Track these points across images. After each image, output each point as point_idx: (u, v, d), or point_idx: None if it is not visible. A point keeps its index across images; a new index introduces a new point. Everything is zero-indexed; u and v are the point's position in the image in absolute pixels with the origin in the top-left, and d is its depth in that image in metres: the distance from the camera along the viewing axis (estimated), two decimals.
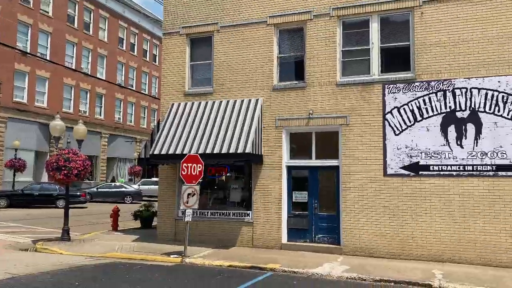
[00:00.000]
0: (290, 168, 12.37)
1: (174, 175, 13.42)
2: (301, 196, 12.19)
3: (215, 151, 11.70)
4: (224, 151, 11.62)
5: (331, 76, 11.96)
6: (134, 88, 41.52)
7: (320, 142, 12.18)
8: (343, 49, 12.03)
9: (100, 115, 37.60)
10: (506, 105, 10.38)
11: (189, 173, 11.01)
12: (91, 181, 35.10)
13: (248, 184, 12.71)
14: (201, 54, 13.65)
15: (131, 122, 41.99)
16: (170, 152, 12.21)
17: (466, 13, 10.84)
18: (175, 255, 10.96)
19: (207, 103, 13.04)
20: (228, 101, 12.82)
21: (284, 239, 12.08)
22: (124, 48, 40.58)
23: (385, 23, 11.70)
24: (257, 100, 12.54)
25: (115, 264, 10.30)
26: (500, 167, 10.30)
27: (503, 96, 10.42)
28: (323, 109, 11.95)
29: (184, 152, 11.86)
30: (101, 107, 37.77)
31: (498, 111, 10.44)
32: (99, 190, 30.57)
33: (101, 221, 18.55)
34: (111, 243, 12.69)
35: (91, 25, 36.53)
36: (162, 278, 9.00)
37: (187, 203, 10.92)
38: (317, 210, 11.99)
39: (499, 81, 10.47)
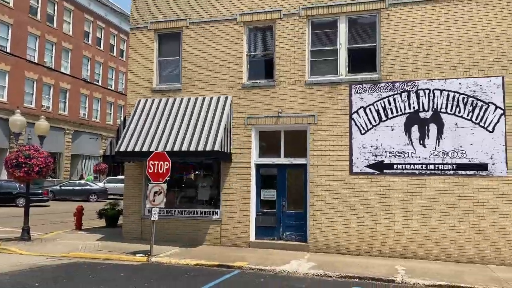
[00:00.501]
0: (259, 166, 12.39)
1: (140, 173, 13.19)
2: (269, 194, 12.24)
3: (183, 149, 11.58)
4: (192, 148, 11.51)
5: (300, 76, 12.06)
6: (100, 84, 40.44)
7: (289, 141, 12.26)
8: (312, 49, 12.14)
9: (64, 111, 36.40)
10: (466, 106, 10.78)
11: (155, 171, 10.83)
12: (54, 179, 33.93)
13: (216, 182, 12.65)
14: (169, 50, 13.46)
15: (96, 118, 40.89)
16: (137, 149, 11.99)
17: (430, 16, 11.17)
18: (141, 254, 10.77)
19: (175, 100, 12.87)
20: (196, 98, 12.71)
21: (252, 237, 12.10)
22: (90, 42, 39.44)
23: (352, 24, 11.90)
24: (226, 98, 12.49)
25: (78, 264, 10.01)
26: (460, 166, 10.70)
27: (463, 98, 10.82)
28: (292, 108, 12.03)
29: (151, 150, 11.68)
30: (65, 102, 36.56)
31: (459, 112, 10.82)
32: (63, 188, 29.63)
33: (64, 220, 17.98)
34: (74, 243, 12.33)
35: (55, 18, 35.26)
36: (127, 277, 8.82)
37: (154, 201, 10.75)
38: (285, 208, 12.07)
39: (460, 83, 10.86)
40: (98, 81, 40.50)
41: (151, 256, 10.55)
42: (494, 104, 10.60)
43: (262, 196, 12.30)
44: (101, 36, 41.14)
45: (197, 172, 12.97)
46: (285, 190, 12.13)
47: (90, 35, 39.51)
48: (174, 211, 12.78)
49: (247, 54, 12.67)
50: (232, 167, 12.35)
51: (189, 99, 12.78)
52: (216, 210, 12.44)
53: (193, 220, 12.56)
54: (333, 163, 11.57)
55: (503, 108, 10.54)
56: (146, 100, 13.14)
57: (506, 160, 10.42)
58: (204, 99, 12.64)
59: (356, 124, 11.49)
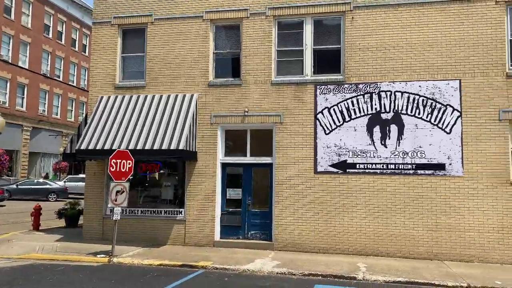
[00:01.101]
0: (224, 165, 12.36)
1: (102, 172, 12.86)
2: (235, 193, 12.24)
3: (146, 147, 11.40)
4: (156, 147, 11.35)
5: (267, 75, 12.12)
6: (61, 79, 39.06)
7: (255, 140, 12.29)
8: (278, 49, 12.22)
9: (22, 107, 34.89)
10: (426, 108, 11.16)
11: (118, 169, 10.59)
12: (11, 178, 32.46)
13: (181, 182, 12.51)
14: (134, 46, 13.19)
15: (57, 115, 39.46)
16: (98, 147, 11.68)
17: (392, 20, 11.49)
18: (102, 255, 10.49)
19: (139, 97, 12.62)
20: (161, 96, 12.52)
21: (217, 237, 12.06)
22: (51, 36, 38.00)
23: (318, 26, 12.07)
24: (192, 96, 12.37)
25: (34, 266, 9.63)
26: (419, 166, 11.05)
27: (423, 100, 11.19)
28: (258, 107, 12.06)
29: (113, 148, 11.42)
30: (23, 98, 35.04)
31: (419, 113, 11.18)
32: (20, 187, 28.35)
33: (20, 220, 17.23)
34: (31, 244, 11.84)
35: (12, 9, 33.71)
36: (87, 279, 8.56)
37: (116, 200, 10.50)
38: (251, 207, 12.11)
39: (420, 86, 11.23)
40: (59, 76, 39.11)
41: (113, 257, 10.30)
42: (452, 107, 11.02)
43: (227, 195, 12.26)
44: (63, 30, 39.75)
45: (161, 171, 12.74)
46: (251, 189, 12.16)
47: (51, 28, 38.08)
48: (137, 210, 12.53)
49: (213, 52, 12.59)
50: (197, 166, 12.25)
51: (153, 96, 12.56)
52: (181, 209, 12.30)
53: (156, 219, 12.37)
54: (298, 162, 11.70)
55: (460, 110, 10.98)
56: (109, 97, 12.82)
57: (462, 161, 10.86)
58: (169, 96, 12.46)
59: (321, 124, 11.65)
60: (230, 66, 12.61)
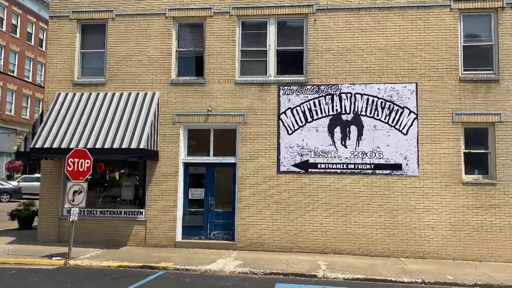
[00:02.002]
0: (187, 165, 12.24)
1: (59, 171, 12.42)
2: (197, 193, 12.14)
3: (105, 146, 11.11)
4: (116, 146, 11.09)
5: (230, 75, 12.10)
6: (15, 75, 37.28)
7: (218, 139, 12.25)
8: (242, 48, 12.22)
9: None
10: (384, 110, 11.49)
11: (75, 169, 10.27)
12: None
13: (142, 181, 12.28)
14: (93, 42, 12.81)
15: (11, 112, 37.64)
16: (55, 145, 11.26)
17: (353, 24, 11.76)
18: (58, 257, 10.12)
19: (98, 94, 12.29)
20: (122, 94, 12.24)
21: (179, 237, 11.92)
22: (4, 29, 36.19)
23: (282, 27, 12.16)
24: (153, 94, 12.17)
25: None
26: (377, 166, 11.38)
27: (381, 102, 11.51)
28: (222, 106, 12.02)
29: (71, 146, 11.06)
30: None
31: (377, 115, 11.50)
32: None
33: None
34: None
35: None
36: (41, 282, 8.23)
37: (73, 201, 10.17)
38: (213, 207, 12.05)
39: (378, 88, 11.56)
40: (13, 71, 37.32)
41: (69, 259, 9.96)
42: (408, 109, 11.41)
43: (190, 195, 12.15)
44: (18, 23, 37.97)
45: (121, 171, 12.46)
46: (214, 189, 12.11)
47: (4, 21, 36.28)
48: (96, 211, 12.19)
49: (176, 50, 12.44)
50: (159, 166, 12.07)
51: (114, 94, 12.26)
52: (141, 210, 12.08)
53: (116, 220, 12.07)
54: (261, 162, 11.77)
55: (416, 112, 11.37)
56: (67, 94, 12.40)
57: (418, 161, 11.27)
58: (130, 94, 12.21)
59: (284, 125, 11.75)
60: (193, 64, 12.49)
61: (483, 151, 11.26)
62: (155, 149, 11.89)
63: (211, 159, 12.14)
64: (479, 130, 11.30)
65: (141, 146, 10.99)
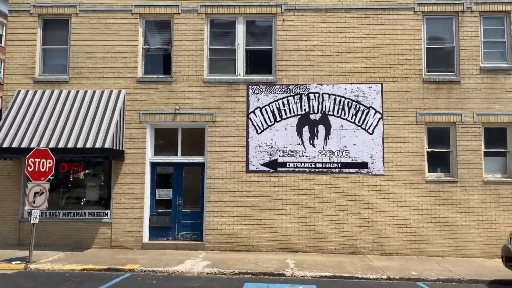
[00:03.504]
0: (154, 165, 12.06)
1: (19, 172, 11.94)
2: (165, 194, 11.99)
3: (69, 146, 10.79)
4: (80, 145, 10.80)
5: (199, 73, 12.00)
6: None
7: (187, 139, 12.13)
8: (211, 47, 12.14)
9: None
10: (350, 110, 11.68)
11: (36, 169, 9.90)
12: None
13: (107, 182, 12.01)
14: (56, 38, 12.40)
15: None
16: (14, 145, 10.82)
17: (320, 24, 11.89)
18: (18, 261, 9.72)
19: (61, 92, 11.91)
20: (86, 91, 11.92)
21: (146, 238, 11.74)
22: None
23: (250, 26, 12.16)
24: (119, 92, 11.91)
25: None
26: (344, 165, 11.56)
27: (348, 102, 11.70)
28: (190, 105, 11.91)
29: (32, 146, 10.66)
30: None
31: (344, 115, 11.68)
32: None
33: None
34: None
35: None
36: None
37: (34, 202, 9.80)
38: (181, 207, 11.93)
39: (345, 89, 11.73)
40: None
41: (30, 263, 9.59)
42: (374, 109, 11.64)
43: (157, 195, 11.99)
44: None
45: (86, 171, 12.11)
46: (182, 189, 11.99)
47: None
48: (59, 213, 11.82)
49: (143, 48, 12.22)
50: (125, 166, 11.83)
51: (77, 92, 11.92)
52: (107, 211, 11.81)
53: (80, 222, 11.76)
54: (230, 162, 11.73)
55: (382, 112, 11.63)
56: (27, 91, 11.94)
57: (383, 160, 11.52)
58: (94, 92, 11.90)
59: (253, 124, 11.76)
60: (161, 62, 12.32)
61: (445, 150, 11.62)
62: (121, 149, 11.65)
63: (179, 158, 12.00)
64: (442, 130, 11.67)
65: (106, 146, 10.77)
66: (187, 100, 11.93)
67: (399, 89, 11.68)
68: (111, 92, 11.91)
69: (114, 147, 11.15)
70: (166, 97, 11.97)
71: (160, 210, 11.94)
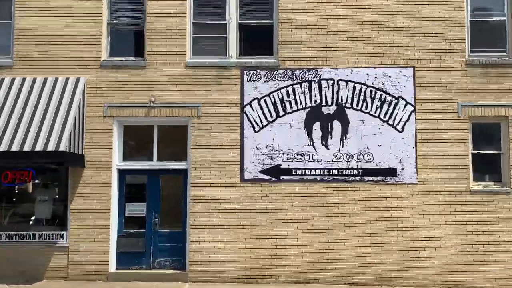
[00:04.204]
0: (123, 173, 11.35)
1: None
2: (137, 209, 11.34)
3: (13, 149, 10.08)
4: (27, 148, 10.08)
5: (180, 55, 11.28)
6: None
7: (165, 139, 11.53)
8: (195, 21, 11.46)
9: None
10: (374, 101, 10.87)
11: None
12: None
13: (63, 195, 11.26)
14: None
15: None
16: None
17: None
18: None
19: (3, 79, 11.10)
20: (35, 79, 11.13)
21: (113, 267, 10.99)
22: None
23: None
24: (78, 79, 11.14)
25: None
26: (366, 172, 10.77)
27: (371, 91, 10.90)
28: (168, 96, 11.21)
29: None
30: None
31: (366, 107, 10.90)
32: None
33: None
34: None
35: None
36: None
37: None
38: (158, 226, 11.25)
39: (367, 74, 10.93)
40: None
41: None
42: (404, 100, 10.83)
43: (127, 211, 11.32)
44: None
45: (35, 181, 11.25)
46: (159, 204, 11.31)
47: None
48: (1, 235, 11.05)
49: (108, 23, 11.47)
50: (86, 174, 11.05)
51: (24, 79, 11.10)
52: (62, 232, 11.04)
53: (28, 246, 10.99)
54: (220, 168, 11.02)
55: (414, 104, 10.82)
56: None
57: (416, 165, 10.69)
58: (46, 79, 11.11)
59: (249, 119, 11.08)
60: (131, 41, 11.67)
61: (495, 152, 10.88)
62: (80, 152, 10.93)
63: (155, 164, 11.31)
64: (490, 126, 10.98)
65: (61, 149, 10.07)
66: (164, 89, 11.21)
67: (436, 74, 10.86)
68: (67, 79, 11.13)
69: (72, 151, 10.48)
70: (138, 86, 11.23)
71: (130, 231, 11.26)
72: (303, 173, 10.81)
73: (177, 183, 11.31)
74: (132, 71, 11.22)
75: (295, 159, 10.83)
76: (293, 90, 10.96)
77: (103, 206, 10.93)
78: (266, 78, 11.03)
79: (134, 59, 11.37)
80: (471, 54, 10.93)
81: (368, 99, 10.83)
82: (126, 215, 11.24)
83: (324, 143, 10.85)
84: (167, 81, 11.16)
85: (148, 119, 11.20)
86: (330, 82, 10.92)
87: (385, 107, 10.78)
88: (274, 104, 10.97)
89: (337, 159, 10.78)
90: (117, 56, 11.40)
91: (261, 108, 11.00)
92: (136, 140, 11.60)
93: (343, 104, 10.88)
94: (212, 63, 11.17)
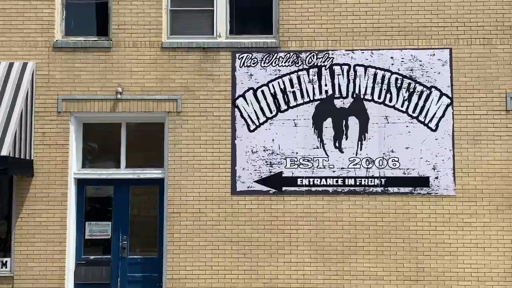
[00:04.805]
0: (83, 183, 10.79)
1: None
2: (100, 230, 10.81)
3: None
4: None
5: (154, 34, 10.72)
6: None
7: (136, 141, 11.10)
8: None
9: None
10: (401, 92, 10.28)
11: None
12: None
13: (6, 211, 10.70)
14: None
15: None
16: None
17: None
18: None
19: None
20: None
21: None
22: None
23: None
24: (24, 65, 10.55)
25: None
26: (391, 181, 10.19)
27: (396, 79, 10.32)
28: (140, 86, 10.64)
29: None
30: None
31: (390, 100, 10.34)
32: None
33: None
34: None
35: None
36: None
37: None
38: (127, 251, 10.67)
39: (392, 58, 10.35)
40: None
41: None
42: (439, 90, 10.22)
43: (87, 233, 10.73)
44: None
45: None
46: (128, 222, 10.77)
47: None
48: None
49: None
50: (35, 185, 10.47)
51: None
52: (6, 259, 10.42)
53: None
54: (206, 177, 10.48)
55: (451, 96, 10.21)
56: None
57: (454, 172, 10.05)
58: None
59: (242, 115, 10.55)
60: (92, 17, 11.27)
61: None
62: (27, 158, 10.35)
63: (124, 172, 10.76)
64: None
65: (3, 153, 9.48)
66: (135, 77, 10.63)
67: (479, 58, 10.21)
68: (11, 65, 10.53)
69: (17, 156, 9.94)
70: (101, 73, 10.67)
71: (92, 257, 10.66)
72: (311, 183, 10.32)
73: (151, 197, 11.00)
74: (94, 55, 10.67)
75: (301, 166, 10.33)
76: (298, 78, 10.46)
77: (57, 226, 10.34)
78: (264, 63, 10.52)
79: (96, 39, 10.83)
80: None
81: (393, 90, 10.29)
82: (86, 237, 10.69)
83: (337, 145, 10.36)
84: (138, 67, 10.62)
85: (115, 115, 10.67)
86: (345, 68, 10.41)
87: (414, 99, 10.23)
88: (274, 96, 10.46)
89: (354, 165, 10.25)
90: (75, 36, 10.86)
91: (258, 101, 10.51)
92: (100, 142, 11.24)
93: (362, 96, 10.37)
94: (195, 44, 10.63)
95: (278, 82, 10.44)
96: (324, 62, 10.37)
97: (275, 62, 10.42)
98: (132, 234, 10.67)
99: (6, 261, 10.27)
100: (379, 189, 10.12)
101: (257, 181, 10.28)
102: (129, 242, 10.59)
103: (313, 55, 10.40)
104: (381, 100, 10.27)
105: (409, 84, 10.20)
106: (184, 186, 10.36)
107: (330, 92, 10.35)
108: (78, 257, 10.50)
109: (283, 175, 10.27)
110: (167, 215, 10.37)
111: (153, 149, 10.85)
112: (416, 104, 10.17)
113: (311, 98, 10.39)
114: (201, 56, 10.57)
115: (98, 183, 10.80)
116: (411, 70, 10.20)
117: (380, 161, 10.16)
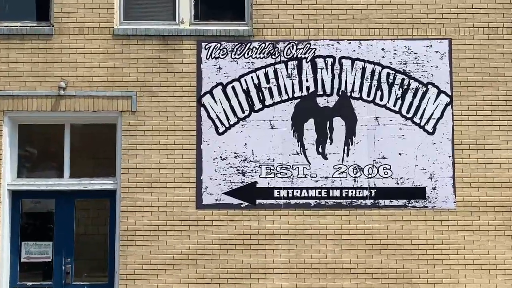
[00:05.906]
0: (18, 195, 10.39)
1: None
2: (40, 251, 10.41)
3: None
4: None
5: (105, 19, 10.40)
6: None
7: (82, 145, 10.84)
8: None
9: None
10: (393, 88, 10.20)
11: None
12: None
13: None
14: None
15: None
16: None
17: None
18: None
19: None
20: None
21: None
22: None
23: None
24: None
25: None
26: (381, 192, 10.07)
27: (388, 74, 10.23)
28: (87, 80, 10.33)
29: None
30: None
31: (381, 98, 10.24)
32: None
33: None
34: None
35: None
36: None
37: None
38: (72, 276, 10.26)
39: (383, 49, 10.24)
40: None
41: None
42: (437, 87, 10.16)
43: (24, 254, 10.33)
44: None
45: None
46: (73, 242, 10.39)
47: None
48: None
49: None
50: None
51: None
52: None
53: None
54: (166, 188, 10.24)
55: (450, 93, 10.14)
56: None
57: (454, 182, 9.97)
58: None
59: (209, 115, 10.36)
60: None
61: None
62: None
63: (67, 183, 10.40)
64: None
65: None
66: (81, 70, 10.31)
67: (482, 50, 10.13)
68: None
69: None
70: (40, 64, 10.31)
71: (30, 284, 10.27)
72: (290, 195, 10.13)
73: (101, 212, 10.71)
74: (33, 43, 10.31)
75: (278, 175, 10.15)
76: (275, 72, 10.29)
77: None
78: (234, 55, 10.33)
79: (35, 24, 10.45)
80: None
81: (384, 86, 10.17)
82: (22, 259, 10.25)
83: (320, 150, 10.21)
84: (86, 58, 10.26)
85: (57, 114, 10.29)
86: (329, 60, 10.26)
87: (408, 97, 10.14)
88: (247, 92, 10.28)
89: (340, 174, 10.12)
90: (9, 21, 10.45)
91: (228, 99, 10.32)
92: (39, 147, 10.88)
93: (348, 94, 10.23)
94: (153, 31, 10.36)
95: (252, 77, 10.31)
96: (305, 53, 10.26)
97: (248, 53, 10.28)
98: (77, 256, 10.34)
99: None
100: (368, 202, 10.03)
101: (226, 193, 10.14)
102: (73, 265, 10.25)
103: (292, 46, 10.28)
104: (370, 98, 10.19)
105: (403, 80, 10.14)
106: (140, 199, 10.10)
107: (312, 88, 10.25)
108: (12, 283, 10.10)
109: (258, 185, 10.13)
110: (119, 234, 10.06)
111: (103, 156, 10.65)
112: (411, 103, 10.11)
113: (290, 96, 10.27)
114: (161, 45, 10.36)
115: (37, 195, 10.46)
116: (405, 63, 10.13)
117: (370, 169, 10.09)
